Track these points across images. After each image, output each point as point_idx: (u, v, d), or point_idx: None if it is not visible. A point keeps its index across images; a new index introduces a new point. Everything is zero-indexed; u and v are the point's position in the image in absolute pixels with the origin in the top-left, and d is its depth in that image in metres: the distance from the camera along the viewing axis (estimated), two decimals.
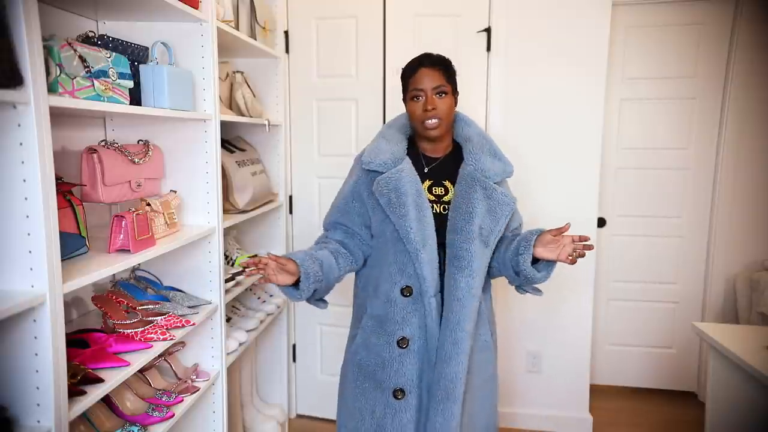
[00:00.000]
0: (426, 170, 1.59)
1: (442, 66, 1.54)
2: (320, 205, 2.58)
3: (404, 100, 1.58)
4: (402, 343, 1.51)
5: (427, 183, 1.57)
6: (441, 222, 1.53)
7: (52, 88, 1.07)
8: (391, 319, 1.52)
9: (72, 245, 1.22)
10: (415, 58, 1.57)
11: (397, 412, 1.50)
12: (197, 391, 1.65)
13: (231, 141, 2.21)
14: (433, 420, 1.47)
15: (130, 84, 1.32)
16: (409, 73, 1.55)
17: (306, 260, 1.46)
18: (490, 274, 1.62)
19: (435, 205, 1.55)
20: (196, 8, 1.55)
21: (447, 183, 1.58)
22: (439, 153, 1.62)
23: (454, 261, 1.49)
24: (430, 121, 1.50)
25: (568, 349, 2.57)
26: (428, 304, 1.49)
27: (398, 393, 1.51)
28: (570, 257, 1.48)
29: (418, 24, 2.38)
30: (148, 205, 1.49)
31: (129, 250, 1.33)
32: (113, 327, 1.44)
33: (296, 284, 1.46)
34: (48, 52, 1.07)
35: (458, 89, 1.59)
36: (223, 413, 1.83)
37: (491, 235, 1.53)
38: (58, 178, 1.13)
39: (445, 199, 1.56)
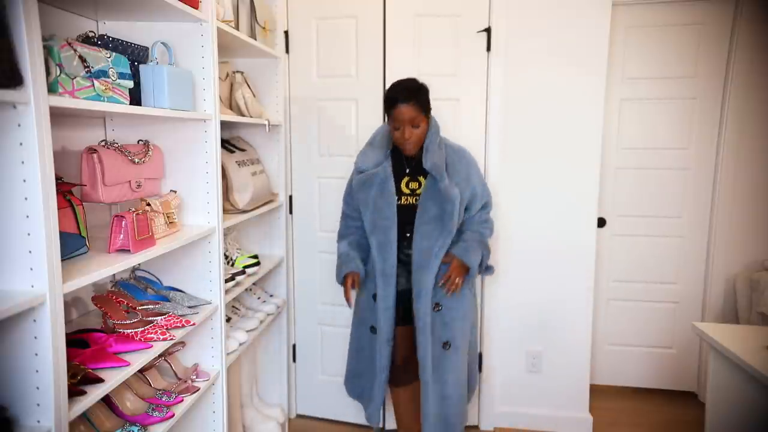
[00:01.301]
0: (408, 170, 2.04)
1: (414, 99, 1.90)
2: (320, 205, 2.58)
3: (388, 122, 1.98)
4: (374, 297, 2.06)
5: (406, 179, 2.03)
6: (412, 211, 1.99)
7: (52, 88, 1.06)
8: (371, 276, 2.09)
9: (72, 245, 1.22)
10: (393, 91, 1.93)
11: (370, 338, 2.10)
12: (197, 391, 1.65)
13: (231, 141, 2.21)
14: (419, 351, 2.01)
15: (130, 84, 1.32)
16: (389, 102, 1.93)
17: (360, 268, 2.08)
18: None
19: (409, 198, 2.01)
20: (196, 8, 1.55)
21: (421, 178, 2.02)
22: (416, 154, 2.03)
23: (415, 234, 1.98)
24: (407, 146, 1.96)
25: (568, 349, 2.57)
26: (381, 274, 2.01)
27: (372, 329, 2.09)
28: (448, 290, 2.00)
29: (418, 24, 2.38)
30: (148, 205, 1.49)
31: (129, 250, 1.33)
32: (113, 327, 1.44)
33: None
34: (48, 52, 1.07)
35: (431, 107, 1.99)
36: (223, 413, 1.83)
37: (446, 216, 1.97)
38: (58, 178, 1.13)
39: (418, 192, 2.01)
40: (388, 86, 2.04)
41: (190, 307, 1.64)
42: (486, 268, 2.13)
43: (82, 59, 1.16)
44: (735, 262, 2.79)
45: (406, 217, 2.00)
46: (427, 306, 1.99)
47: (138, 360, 1.33)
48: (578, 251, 2.50)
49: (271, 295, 2.49)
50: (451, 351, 2.03)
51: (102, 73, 1.22)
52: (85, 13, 1.52)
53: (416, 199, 1.99)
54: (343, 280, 2.06)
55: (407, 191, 2.02)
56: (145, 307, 1.54)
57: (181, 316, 1.55)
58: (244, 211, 2.06)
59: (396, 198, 2.00)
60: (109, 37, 1.43)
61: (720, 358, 1.63)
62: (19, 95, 0.93)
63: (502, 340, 2.59)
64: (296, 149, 2.57)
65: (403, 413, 2.24)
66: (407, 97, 1.89)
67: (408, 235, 2.02)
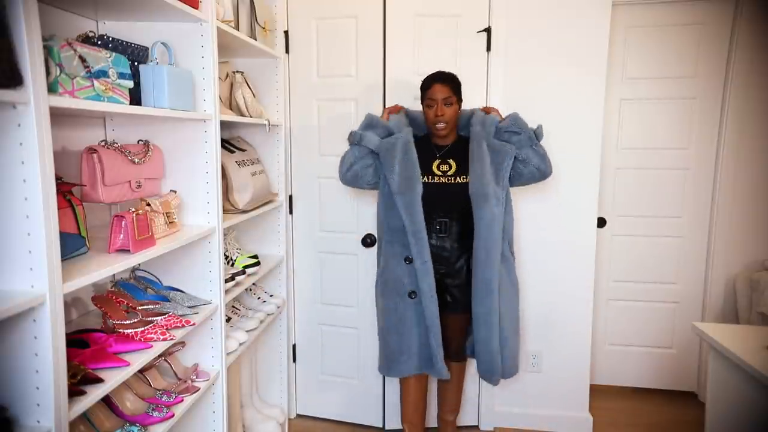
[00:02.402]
0: (438, 154, 2.13)
1: (451, 82, 2.06)
2: (320, 204, 2.58)
3: (422, 104, 2.10)
4: (407, 260, 2.06)
5: (437, 162, 2.11)
6: (443, 190, 2.06)
7: (52, 88, 1.06)
8: (398, 243, 2.09)
9: (72, 245, 1.22)
10: (431, 75, 2.08)
11: (409, 306, 2.08)
12: (197, 391, 1.65)
13: (231, 141, 2.21)
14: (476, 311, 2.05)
15: (130, 84, 1.32)
16: (425, 85, 2.07)
17: None
18: (517, 180, 2.13)
19: (441, 178, 2.08)
20: (196, 8, 1.55)
21: (451, 161, 2.11)
22: (447, 142, 2.15)
23: (479, 221, 2.00)
24: (439, 124, 2.06)
25: (568, 349, 2.57)
26: (413, 237, 2.01)
27: (412, 294, 2.07)
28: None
29: (418, 24, 2.38)
30: (148, 205, 1.49)
31: (129, 250, 1.33)
32: (113, 327, 1.44)
33: None
34: (48, 52, 1.07)
35: (462, 98, 2.12)
36: (223, 413, 1.83)
37: (500, 174, 2.03)
38: (58, 178, 1.13)
39: (449, 173, 2.08)
40: (423, 77, 2.12)
41: (190, 307, 1.64)
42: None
43: (82, 59, 1.16)
44: (735, 262, 2.79)
45: (438, 198, 2.05)
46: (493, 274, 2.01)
47: (138, 360, 1.33)
48: (578, 251, 2.50)
49: (271, 295, 2.48)
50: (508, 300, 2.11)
51: (102, 73, 1.22)
52: (85, 13, 1.52)
53: (449, 179, 2.07)
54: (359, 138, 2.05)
55: (439, 173, 2.09)
56: (145, 307, 1.54)
57: (181, 316, 1.55)
58: (244, 211, 2.06)
59: (417, 160, 2.04)
60: (109, 37, 1.43)
61: (720, 358, 1.63)
62: (19, 95, 0.93)
63: None
64: (296, 149, 2.57)
65: (411, 404, 2.25)
66: (443, 79, 2.05)
67: (441, 220, 2.07)
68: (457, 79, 2.09)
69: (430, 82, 2.06)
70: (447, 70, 2.11)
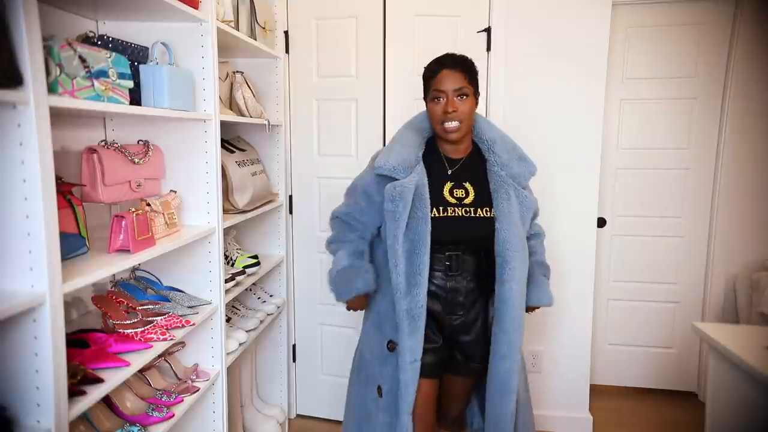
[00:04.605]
0: (449, 172, 1.61)
1: (464, 67, 1.54)
2: (320, 205, 2.58)
3: (425, 99, 1.60)
4: (390, 346, 1.60)
5: (449, 185, 1.59)
6: (461, 226, 1.55)
7: (52, 88, 1.06)
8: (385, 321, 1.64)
9: (72, 245, 1.22)
10: (437, 59, 1.57)
11: (379, 407, 1.64)
12: (197, 391, 1.65)
13: (231, 141, 2.21)
14: (491, 412, 1.60)
15: (130, 84, 1.32)
16: (430, 73, 1.56)
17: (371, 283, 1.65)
18: None
19: (457, 209, 1.56)
20: (196, 8, 1.55)
21: (467, 185, 1.60)
22: (460, 154, 1.63)
23: (507, 271, 1.53)
24: (450, 123, 1.53)
25: (568, 349, 2.56)
26: (406, 315, 1.54)
27: (380, 390, 1.63)
28: None
29: (418, 24, 2.38)
30: (148, 205, 1.49)
31: (129, 250, 1.33)
32: (113, 327, 1.44)
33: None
34: (48, 52, 1.06)
35: (479, 90, 1.61)
36: (223, 413, 1.83)
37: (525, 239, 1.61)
38: (58, 178, 1.13)
39: (466, 201, 1.57)
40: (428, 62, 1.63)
41: (190, 307, 1.64)
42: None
43: (82, 59, 1.16)
44: (735, 262, 2.79)
45: (452, 235, 1.55)
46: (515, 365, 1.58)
47: (138, 360, 1.33)
48: (578, 251, 2.50)
49: (271, 295, 2.48)
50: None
51: (102, 73, 1.22)
52: (85, 13, 1.52)
53: (466, 211, 1.55)
54: (351, 298, 1.66)
55: (453, 200, 1.56)
56: (145, 307, 1.54)
57: (181, 316, 1.55)
58: (244, 211, 2.06)
59: (430, 211, 1.54)
60: (109, 37, 1.43)
61: (720, 358, 1.63)
62: (19, 95, 0.93)
63: None
64: (296, 149, 2.57)
65: (421, 402, 1.73)
66: (455, 63, 1.54)
67: (450, 258, 1.58)
68: (473, 64, 1.59)
69: (436, 68, 1.54)
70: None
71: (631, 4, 2.73)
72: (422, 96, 1.66)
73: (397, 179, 1.55)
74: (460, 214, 1.55)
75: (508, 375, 1.57)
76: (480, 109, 2.41)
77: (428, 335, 1.59)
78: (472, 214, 1.56)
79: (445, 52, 1.61)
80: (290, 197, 2.60)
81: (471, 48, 2.38)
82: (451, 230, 1.55)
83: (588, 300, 2.53)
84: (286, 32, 2.47)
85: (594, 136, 2.43)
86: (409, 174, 1.55)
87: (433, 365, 1.62)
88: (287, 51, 2.49)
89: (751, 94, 2.66)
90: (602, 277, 2.96)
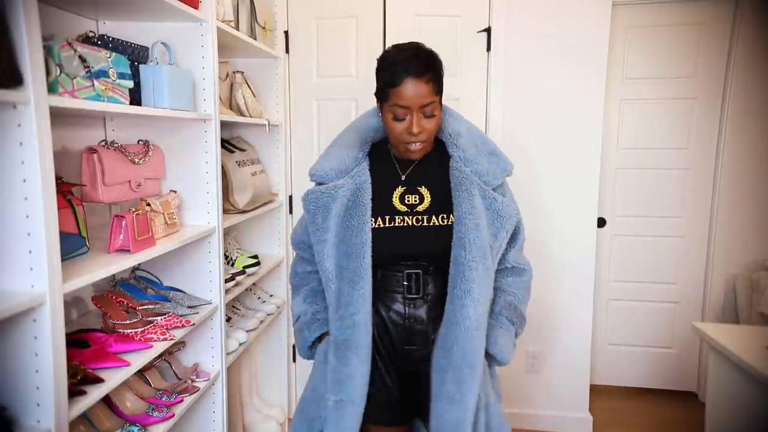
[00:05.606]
0: (402, 176, 1.36)
1: (432, 73, 1.25)
2: None
3: (379, 102, 1.30)
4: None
5: (400, 190, 1.34)
6: (411, 238, 1.31)
7: (52, 88, 1.06)
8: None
9: (72, 245, 1.22)
10: (401, 59, 1.24)
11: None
12: (197, 391, 1.65)
13: (231, 141, 2.21)
14: None
15: (130, 84, 1.32)
16: (391, 79, 1.24)
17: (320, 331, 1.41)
18: None
19: (407, 218, 1.31)
20: (196, 8, 1.55)
21: (423, 189, 1.34)
22: (416, 156, 1.34)
23: (460, 284, 1.25)
24: (414, 145, 1.28)
25: (568, 349, 2.57)
26: (351, 346, 1.29)
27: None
28: None
29: (418, 24, 2.38)
30: (148, 205, 1.49)
31: (129, 250, 1.33)
32: (113, 327, 1.44)
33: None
34: (48, 52, 1.07)
35: (443, 88, 1.32)
36: (223, 413, 1.83)
37: (492, 253, 1.32)
38: (58, 178, 1.13)
39: (419, 209, 1.32)
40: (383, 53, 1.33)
41: (190, 307, 1.64)
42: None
43: (82, 59, 1.16)
44: (735, 262, 2.79)
45: (400, 249, 1.31)
46: (467, 413, 1.27)
47: (138, 360, 1.33)
48: (578, 251, 2.50)
49: (271, 295, 2.49)
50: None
51: (102, 73, 1.22)
52: (85, 13, 1.52)
53: (418, 220, 1.31)
54: (310, 353, 1.44)
55: (403, 208, 1.32)
56: (145, 307, 1.54)
57: (181, 316, 1.55)
58: (244, 211, 2.06)
59: (372, 219, 1.31)
60: (109, 37, 1.43)
61: (720, 358, 1.63)
62: (19, 95, 0.93)
63: None
64: (296, 149, 2.57)
65: None
66: (422, 71, 1.23)
67: (410, 277, 1.32)
68: (439, 61, 1.30)
69: (400, 75, 1.22)
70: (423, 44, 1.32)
71: (631, 4, 2.73)
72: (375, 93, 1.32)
73: None
74: (410, 223, 1.31)
75: (456, 426, 1.26)
76: (480, 110, 2.43)
77: (377, 372, 1.34)
78: (425, 223, 1.31)
79: (408, 42, 1.31)
80: (290, 197, 2.60)
81: (471, 48, 2.39)
82: (398, 243, 1.31)
83: (588, 300, 2.53)
84: (286, 32, 2.48)
85: (594, 136, 2.43)
86: (342, 178, 1.34)
87: (386, 409, 1.37)
88: (287, 51, 2.49)
89: (751, 94, 2.66)
90: (602, 277, 2.96)
